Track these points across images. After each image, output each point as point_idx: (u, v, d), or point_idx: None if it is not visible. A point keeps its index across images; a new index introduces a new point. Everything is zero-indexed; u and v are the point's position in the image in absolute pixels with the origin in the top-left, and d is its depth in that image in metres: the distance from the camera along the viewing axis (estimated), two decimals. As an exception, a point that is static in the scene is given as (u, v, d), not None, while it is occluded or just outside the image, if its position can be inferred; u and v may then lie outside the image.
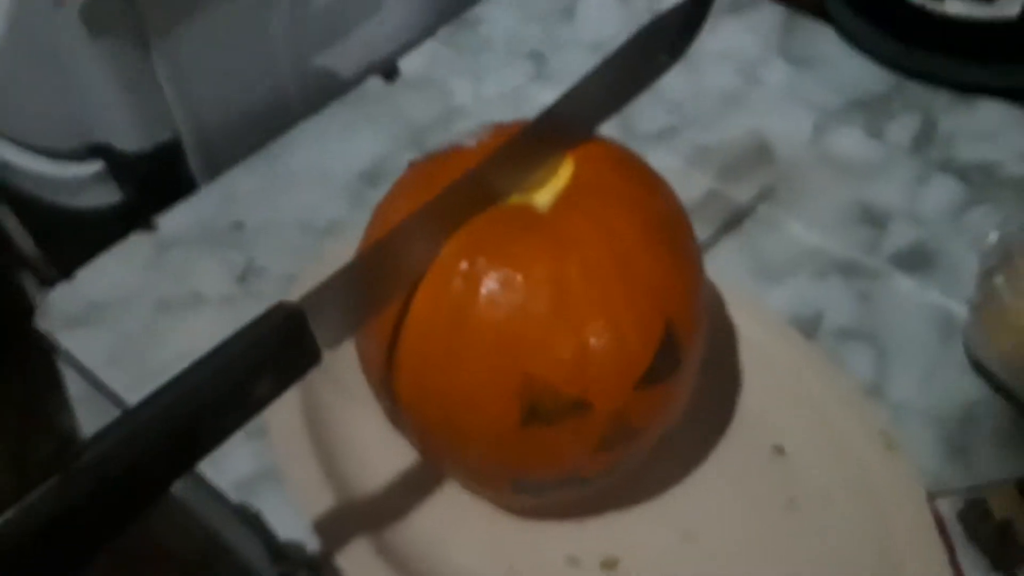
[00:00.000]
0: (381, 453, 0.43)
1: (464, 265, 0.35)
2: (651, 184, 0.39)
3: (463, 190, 0.36)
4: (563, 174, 0.38)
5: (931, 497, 0.43)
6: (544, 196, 0.37)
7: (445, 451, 0.39)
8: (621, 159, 0.39)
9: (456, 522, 0.42)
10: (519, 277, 0.34)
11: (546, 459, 0.37)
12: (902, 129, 0.59)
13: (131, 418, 0.31)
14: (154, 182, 0.54)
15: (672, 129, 0.60)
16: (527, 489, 0.39)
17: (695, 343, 0.38)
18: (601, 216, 0.36)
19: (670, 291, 0.36)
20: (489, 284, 0.34)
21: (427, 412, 0.37)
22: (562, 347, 0.34)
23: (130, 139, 0.53)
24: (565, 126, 0.39)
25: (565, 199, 0.37)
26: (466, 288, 0.35)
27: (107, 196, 0.56)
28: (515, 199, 0.37)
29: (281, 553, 0.41)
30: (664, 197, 0.39)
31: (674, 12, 0.40)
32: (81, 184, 0.56)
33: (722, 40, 0.65)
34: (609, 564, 0.41)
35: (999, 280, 0.44)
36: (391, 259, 0.35)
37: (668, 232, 0.38)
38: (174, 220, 0.53)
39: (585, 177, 0.37)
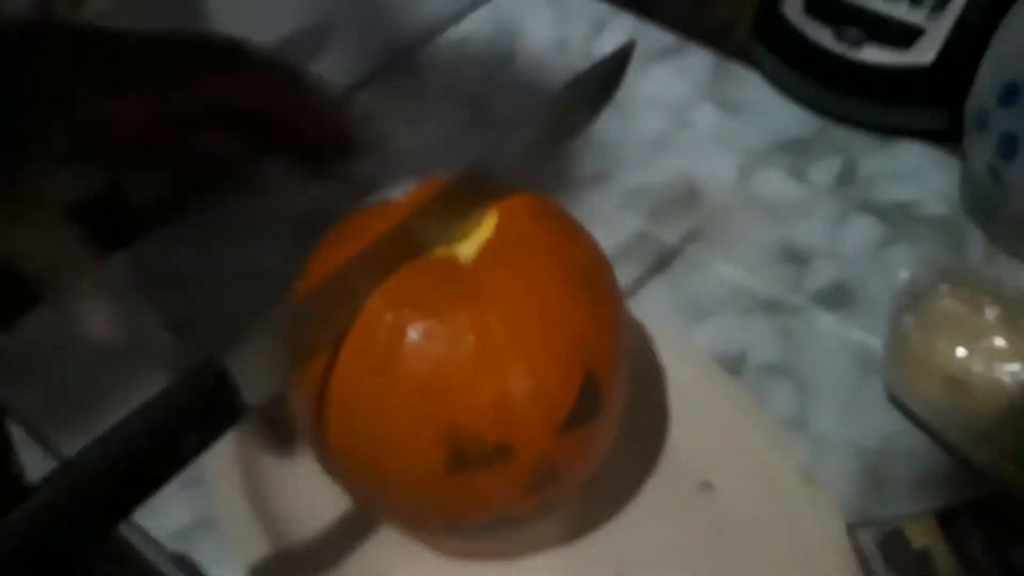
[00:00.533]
0: (316, 498, 0.44)
1: (389, 317, 0.36)
2: (573, 235, 0.41)
3: (389, 242, 0.37)
4: (487, 226, 0.39)
5: (851, 528, 0.44)
6: (468, 248, 0.39)
7: (376, 497, 0.40)
8: (544, 212, 0.41)
9: (390, 566, 0.42)
10: (442, 328, 0.36)
11: (474, 503, 0.38)
12: (824, 171, 0.61)
13: (65, 470, 0.32)
14: (94, 231, 0.54)
15: (604, 172, 0.62)
16: (459, 533, 0.40)
17: (616, 387, 0.39)
18: (523, 268, 0.38)
19: (590, 338, 0.38)
20: (413, 335, 0.36)
21: (356, 460, 0.38)
22: (484, 395, 0.36)
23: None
24: (489, 179, 0.40)
25: (488, 251, 0.38)
26: (391, 339, 0.36)
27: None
28: (440, 251, 0.38)
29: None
30: (585, 248, 0.41)
31: (593, 71, 0.42)
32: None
33: (653, 85, 0.67)
34: (544, 603, 0.42)
35: (908, 319, 0.46)
36: (318, 312, 0.36)
37: (589, 281, 0.39)
38: (112, 267, 0.54)
39: (508, 229, 0.39)
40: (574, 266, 0.39)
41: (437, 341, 0.36)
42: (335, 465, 0.39)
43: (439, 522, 0.39)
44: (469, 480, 0.37)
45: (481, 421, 0.36)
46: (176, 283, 0.54)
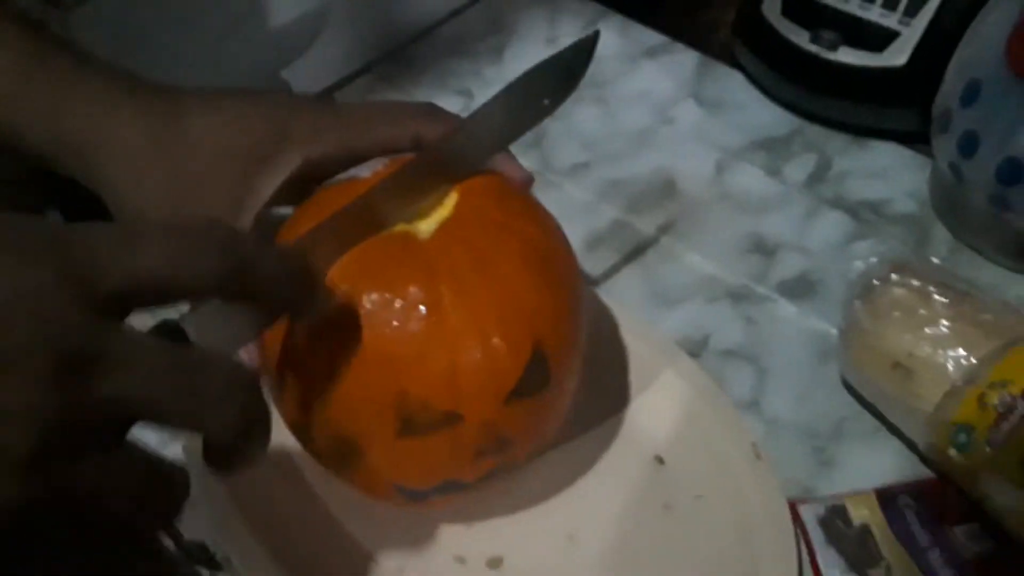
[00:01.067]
0: (280, 458, 0.46)
1: (345, 287, 0.38)
2: (532, 216, 0.42)
3: (350, 217, 0.39)
4: (447, 204, 0.41)
5: (794, 504, 0.46)
6: (427, 224, 0.41)
7: (333, 459, 0.42)
8: (505, 193, 0.43)
9: (347, 526, 0.45)
10: (395, 299, 0.38)
11: (423, 467, 0.40)
12: (799, 168, 0.63)
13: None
14: (91, 203, 0.57)
15: (585, 164, 0.64)
16: (411, 495, 0.42)
17: (567, 363, 0.41)
18: (477, 244, 0.40)
19: (540, 314, 0.39)
20: (367, 305, 0.38)
21: (314, 425, 0.40)
22: (434, 364, 0.38)
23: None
24: (453, 160, 0.42)
25: (446, 228, 0.40)
26: (345, 309, 0.38)
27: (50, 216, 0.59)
28: (399, 227, 0.41)
29: (186, 552, 0.44)
30: (544, 229, 0.42)
31: (558, 58, 0.44)
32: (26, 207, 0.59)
33: (639, 82, 0.69)
34: (494, 563, 0.44)
35: (860, 307, 0.48)
36: None
37: (544, 261, 0.41)
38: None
39: (467, 208, 0.41)
40: (530, 245, 0.41)
41: (390, 312, 0.38)
42: (297, 429, 0.41)
43: (390, 484, 0.41)
44: (418, 445, 0.39)
45: (431, 389, 0.38)
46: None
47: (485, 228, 0.40)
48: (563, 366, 0.41)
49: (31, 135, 0.44)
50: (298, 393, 0.40)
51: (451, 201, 0.41)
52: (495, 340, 0.38)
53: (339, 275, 0.39)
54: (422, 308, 0.38)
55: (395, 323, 0.38)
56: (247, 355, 0.42)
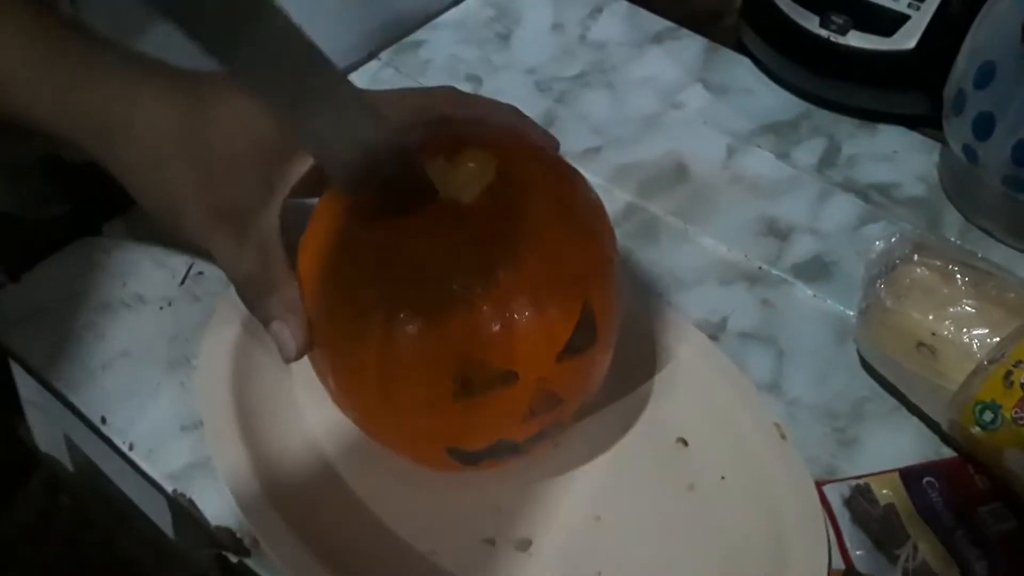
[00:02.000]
0: (308, 443, 0.46)
1: (400, 254, 0.39)
2: (570, 178, 0.43)
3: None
4: (488, 171, 0.41)
5: (819, 484, 0.46)
6: (472, 191, 0.41)
7: (385, 427, 0.42)
8: (540, 156, 0.43)
9: (375, 510, 0.44)
10: (449, 263, 0.38)
11: (478, 427, 0.41)
12: (808, 152, 0.64)
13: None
14: (101, 192, 0.56)
15: (596, 149, 0.64)
16: (464, 457, 0.42)
17: (610, 320, 0.42)
18: (524, 208, 0.40)
19: (587, 273, 0.40)
20: (422, 271, 0.38)
21: (367, 393, 0.40)
22: (489, 324, 0.38)
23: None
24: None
25: (490, 193, 0.40)
26: (402, 275, 0.38)
27: (58, 206, 0.58)
28: (446, 195, 0.40)
29: (213, 537, 0.44)
30: (582, 190, 0.43)
31: None
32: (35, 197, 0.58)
33: (646, 68, 0.69)
34: (523, 545, 0.44)
35: (881, 287, 0.48)
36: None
37: (585, 221, 0.42)
38: (119, 226, 0.56)
39: (509, 174, 0.41)
40: (571, 206, 0.41)
41: (444, 276, 0.38)
42: (346, 397, 0.41)
43: (442, 446, 0.42)
44: (475, 404, 0.39)
45: (487, 350, 0.38)
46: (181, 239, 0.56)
47: (528, 192, 0.41)
48: (607, 323, 0.42)
49: (48, 117, 0.43)
50: (350, 361, 0.40)
51: (491, 167, 0.41)
52: (547, 299, 0.39)
53: (393, 243, 0.39)
54: (475, 270, 0.38)
55: (450, 286, 0.38)
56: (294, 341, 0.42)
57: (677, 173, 0.62)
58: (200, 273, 0.54)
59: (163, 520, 0.51)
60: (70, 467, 0.60)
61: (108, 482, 0.55)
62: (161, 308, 0.52)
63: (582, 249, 0.41)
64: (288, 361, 0.42)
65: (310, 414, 0.47)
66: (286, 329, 0.42)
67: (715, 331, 0.53)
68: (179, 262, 0.54)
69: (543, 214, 0.40)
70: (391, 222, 0.40)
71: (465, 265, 0.39)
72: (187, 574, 0.55)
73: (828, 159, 0.63)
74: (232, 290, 0.49)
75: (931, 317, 0.46)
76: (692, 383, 0.50)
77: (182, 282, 0.53)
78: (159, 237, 0.55)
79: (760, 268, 0.57)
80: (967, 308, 0.46)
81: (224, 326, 0.48)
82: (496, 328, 0.38)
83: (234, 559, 0.43)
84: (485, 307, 0.38)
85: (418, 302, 0.39)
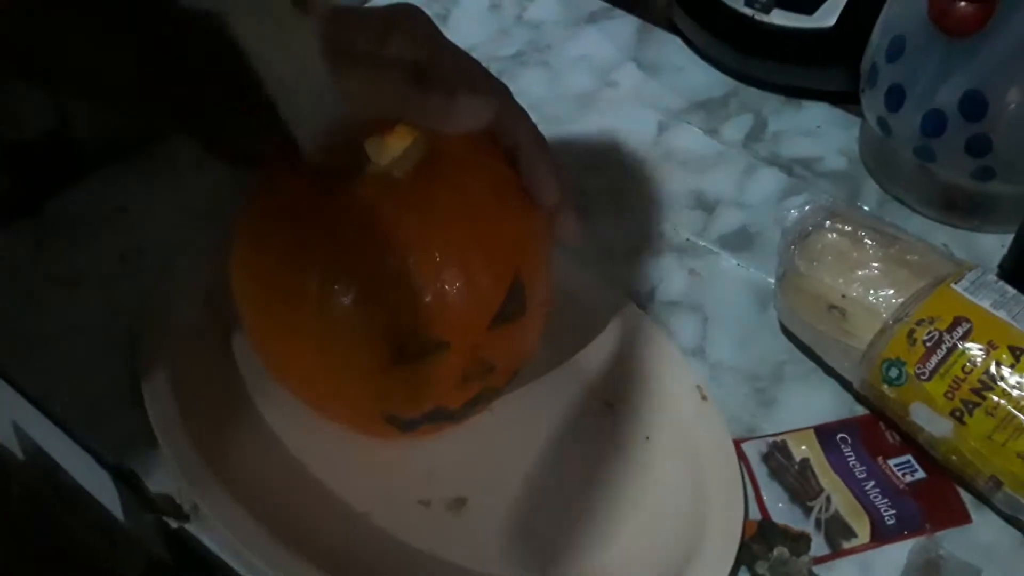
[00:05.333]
0: (247, 410, 0.47)
1: (331, 227, 0.40)
2: (497, 153, 0.44)
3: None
4: (418, 145, 0.43)
5: (739, 442, 0.49)
6: (405, 165, 0.42)
7: (322, 394, 0.43)
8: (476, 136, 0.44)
9: (313, 472, 0.46)
10: (381, 235, 0.39)
11: (414, 394, 0.42)
12: (736, 128, 0.66)
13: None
14: (42, 169, 0.57)
15: (532, 126, 0.65)
16: (402, 424, 0.44)
17: (542, 288, 0.44)
18: (456, 180, 0.42)
19: (517, 242, 0.42)
20: (355, 242, 0.40)
21: (303, 360, 0.42)
22: (422, 294, 0.39)
23: (18, 127, 0.56)
24: None
25: (422, 166, 0.42)
26: (334, 248, 0.40)
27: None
28: (377, 168, 0.42)
29: (154, 504, 0.45)
30: (510, 164, 0.44)
31: None
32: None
33: (581, 47, 0.71)
34: (457, 504, 0.46)
35: (795, 252, 0.50)
36: None
37: (515, 193, 0.43)
38: (61, 204, 0.57)
39: (440, 149, 0.42)
40: (501, 178, 0.43)
41: (376, 248, 0.39)
42: (280, 364, 0.43)
43: (379, 412, 0.43)
44: (410, 371, 0.41)
45: (420, 318, 0.40)
46: (122, 218, 0.56)
47: (459, 165, 0.42)
48: (539, 291, 0.43)
49: None
50: (286, 330, 0.41)
51: (423, 144, 0.42)
52: (478, 269, 0.40)
53: (324, 216, 0.40)
54: (407, 242, 0.39)
55: (383, 257, 0.39)
56: None
57: (610, 149, 0.64)
58: (140, 250, 0.55)
59: (113, 505, 0.52)
60: (19, 455, 0.61)
61: (58, 468, 0.55)
62: (101, 285, 0.53)
63: (514, 222, 0.42)
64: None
65: (250, 383, 0.49)
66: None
67: (644, 300, 0.55)
68: (121, 239, 0.55)
69: (475, 188, 0.42)
70: (326, 194, 0.41)
71: (398, 236, 0.40)
72: (139, 559, 0.56)
73: (754, 135, 0.65)
74: (176, 264, 0.51)
75: (841, 280, 0.49)
76: (620, 350, 0.52)
77: (122, 258, 0.54)
78: (98, 214, 0.56)
79: (688, 240, 0.59)
80: (874, 270, 0.48)
81: (165, 301, 0.50)
82: (428, 298, 0.40)
83: (175, 524, 0.44)
84: (417, 277, 0.40)
85: (352, 273, 0.40)
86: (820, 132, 0.66)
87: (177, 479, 0.44)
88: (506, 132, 0.44)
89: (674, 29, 0.72)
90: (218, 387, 0.48)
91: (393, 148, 0.42)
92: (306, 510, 0.45)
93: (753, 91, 0.68)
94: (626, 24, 0.73)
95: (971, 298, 0.46)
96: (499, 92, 0.45)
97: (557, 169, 0.45)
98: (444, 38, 0.45)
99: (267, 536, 0.42)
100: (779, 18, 0.65)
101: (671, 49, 0.71)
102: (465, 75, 0.44)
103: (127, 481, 0.46)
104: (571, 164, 0.63)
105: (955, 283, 0.47)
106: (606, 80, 0.69)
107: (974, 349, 0.45)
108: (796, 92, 0.67)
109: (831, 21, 0.63)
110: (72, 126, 0.57)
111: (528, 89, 0.68)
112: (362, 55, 0.42)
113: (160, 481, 0.46)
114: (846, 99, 0.66)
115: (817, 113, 0.67)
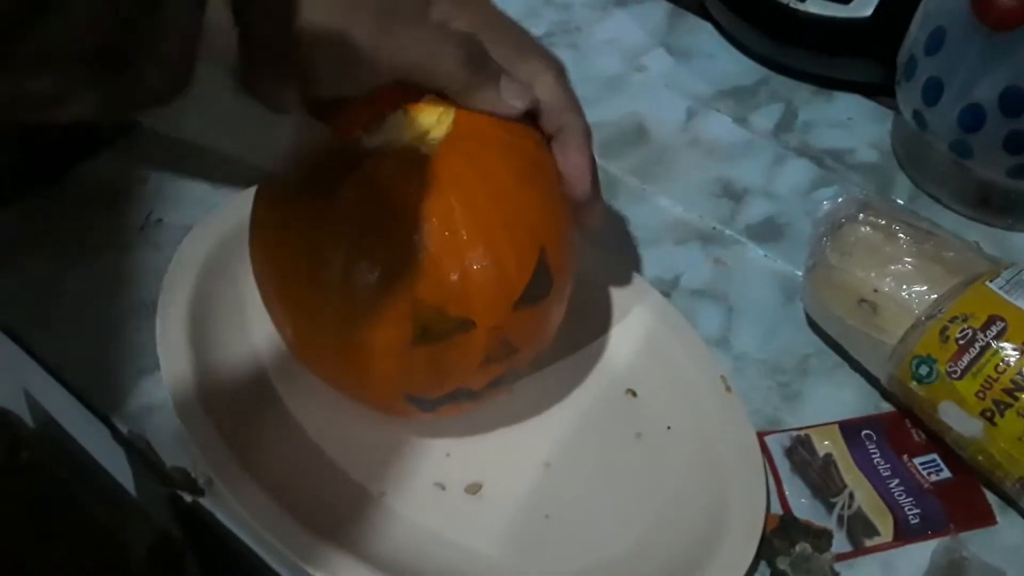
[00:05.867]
0: (264, 386, 0.47)
1: (356, 202, 0.39)
2: (525, 133, 0.43)
3: None
4: (446, 122, 0.42)
5: (762, 435, 0.48)
6: (429, 141, 0.41)
7: (343, 373, 0.43)
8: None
9: (329, 452, 0.45)
10: (407, 212, 0.39)
11: (436, 374, 0.41)
12: (766, 117, 0.65)
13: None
14: (60, 140, 0.57)
15: (558, 108, 0.64)
16: (422, 404, 0.43)
17: (565, 271, 0.43)
18: (481, 158, 0.41)
19: (543, 223, 0.41)
20: (380, 219, 0.39)
21: (325, 338, 0.41)
22: (447, 273, 0.39)
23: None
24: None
25: (449, 143, 0.41)
26: (359, 223, 0.39)
27: (14, 154, 0.58)
28: (402, 143, 0.41)
29: (167, 477, 0.45)
30: (537, 143, 0.44)
31: None
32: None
33: (610, 30, 0.70)
34: (473, 488, 0.45)
35: (827, 245, 0.49)
36: None
37: (541, 173, 0.42)
38: (80, 173, 0.56)
39: (466, 125, 0.42)
40: (527, 158, 0.42)
41: (402, 225, 0.39)
42: (302, 342, 0.42)
43: (400, 392, 0.42)
44: (431, 352, 0.40)
45: (444, 297, 0.39)
46: (142, 188, 0.56)
47: (486, 143, 0.41)
48: (562, 275, 0.43)
49: None
50: (308, 307, 0.40)
51: (448, 119, 0.42)
52: (504, 249, 0.40)
53: (350, 191, 0.39)
54: (434, 220, 0.39)
55: (408, 235, 0.39)
56: None
57: (637, 134, 0.63)
58: (159, 220, 0.54)
59: (124, 477, 0.51)
60: (30, 423, 0.61)
61: (69, 438, 0.55)
62: (120, 254, 0.53)
63: (540, 202, 0.42)
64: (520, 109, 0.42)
65: (268, 360, 0.48)
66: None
67: (668, 288, 0.54)
68: (138, 209, 0.55)
69: (503, 167, 0.41)
70: (350, 170, 0.40)
71: (424, 214, 0.39)
72: (149, 530, 0.56)
73: (784, 124, 0.64)
74: (190, 237, 0.50)
75: (873, 274, 0.48)
76: (643, 337, 0.51)
77: (141, 228, 0.54)
78: (118, 183, 0.55)
79: (714, 228, 0.58)
80: (907, 265, 0.47)
81: (183, 272, 0.49)
82: (454, 277, 0.39)
83: (188, 498, 0.44)
84: (443, 256, 0.39)
85: (377, 250, 0.39)
86: (851, 124, 0.65)
87: (193, 453, 0.44)
88: (552, 116, 0.43)
89: (706, 15, 0.71)
90: (237, 363, 0.48)
91: (421, 123, 0.42)
92: (321, 488, 0.44)
93: (784, 80, 0.67)
94: (657, 8, 0.72)
95: (1007, 297, 0.45)
96: (554, 70, 0.44)
97: (594, 162, 0.44)
98: (501, 12, 0.45)
99: (281, 513, 0.42)
100: (814, 7, 0.63)
101: (702, 35, 0.70)
102: (520, 51, 0.43)
103: (141, 454, 0.46)
104: (597, 147, 0.61)
105: (990, 281, 0.46)
106: (635, 64, 0.68)
107: (1008, 349, 0.44)
108: (828, 83, 0.66)
109: (867, 11, 0.62)
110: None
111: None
112: (421, 23, 0.41)
113: (175, 455, 0.45)
114: (879, 91, 0.65)
115: (849, 104, 0.66)
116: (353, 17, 0.39)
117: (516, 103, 0.42)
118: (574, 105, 0.44)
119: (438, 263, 0.39)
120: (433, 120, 0.42)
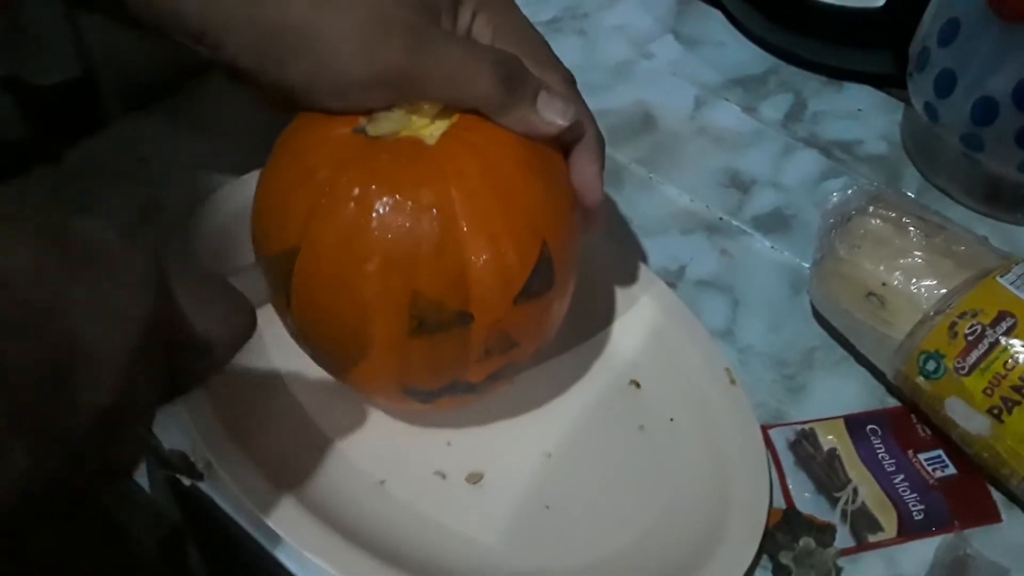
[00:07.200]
0: (266, 371, 0.46)
1: (356, 191, 0.38)
2: None
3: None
4: (449, 112, 0.41)
5: (766, 428, 0.47)
6: (432, 131, 0.41)
7: (342, 362, 0.42)
8: None
9: (331, 438, 0.45)
10: (408, 202, 0.38)
11: (434, 367, 0.41)
12: (775, 107, 0.64)
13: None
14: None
15: (564, 95, 0.64)
16: (420, 395, 0.43)
17: (569, 265, 0.42)
18: (483, 149, 0.40)
19: (545, 217, 0.40)
20: (380, 208, 0.38)
21: (324, 327, 0.40)
22: (446, 265, 0.38)
23: (42, 73, 0.55)
24: None
25: (450, 134, 0.40)
26: (359, 212, 0.38)
27: (16, 129, 0.58)
28: (405, 133, 0.40)
29: (166, 460, 0.44)
30: (544, 142, 0.43)
31: None
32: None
33: (618, 16, 0.69)
34: (474, 478, 0.45)
35: (835, 236, 0.49)
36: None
37: (545, 165, 0.42)
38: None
39: (470, 115, 0.41)
40: (530, 150, 0.41)
41: (402, 215, 0.38)
42: (303, 332, 0.42)
43: (397, 384, 0.42)
44: (430, 344, 0.39)
45: (443, 289, 0.38)
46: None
47: (487, 133, 0.41)
48: (566, 268, 0.42)
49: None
50: (308, 296, 0.40)
51: (451, 109, 0.41)
52: (505, 242, 0.39)
53: (349, 180, 0.39)
54: (434, 211, 0.38)
55: (408, 225, 0.38)
56: None
57: (644, 122, 0.63)
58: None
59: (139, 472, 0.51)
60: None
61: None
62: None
63: (544, 194, 0.41)
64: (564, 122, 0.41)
65: (270, 345, 0.47)
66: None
67: (673, 278, 0.54)
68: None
69: (506, 160, 0.40)
70: (352, 159, 0.39)
71: (424, 204, 0.38)
72: (153, 519, 0.55)
73: (794, 114, 0.64)
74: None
75: (882, 267, 0.47)
76: (648, 328, 0.50)
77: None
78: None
79: (721, 219, 0.57)
80: (917, 259, 0.47)
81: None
82: (452, 268, 0.38)
83: (187, 482, 0.44)
84: (441, 246, 0.38)
85: (376, 241, 0.38)
86: (861, 115, 0.64)
87: (192, 437, 0.43)
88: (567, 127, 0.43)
89: (715, 2, 0.70)
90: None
91: (424, 113, 0.41)
92: (321, 475, 0.44)
93: (794, 70, 0.66)
94: (666, -5, 0.71)
95: (1017, 293, 0.44)
96: (567, 80, 0.44)
97: (603, 170, 0.44)
98: (522, 17, 0.45)
99: (280, 499, 0.41)
100: (826, -5, 0.63)
101: (711, 23, 0.69)
102: (537, 62, 0.43)
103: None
104: (604, 134, 0.61)
105: (1001, 276, 0.45)
106: (643, 51, 0.67)
107: (1017, 345, 0.43)
108: (838, 73, 0.66)
109: (880, 1, 0.61)
110: (95, 73, 0.55)
111: (563, 56, 0.65)
112: (453, 40, 0.41)
113: (174, 439, 0.45)
114: (889, 82, 0.65)
115: (859, 95, 0.65)
116: (387, 42, 0.39)
117: (557, 120, 0.41)
118: (587, 115, 0.44)
119: (437, 255, 0.38)
120: (436, 110, 0.42)
